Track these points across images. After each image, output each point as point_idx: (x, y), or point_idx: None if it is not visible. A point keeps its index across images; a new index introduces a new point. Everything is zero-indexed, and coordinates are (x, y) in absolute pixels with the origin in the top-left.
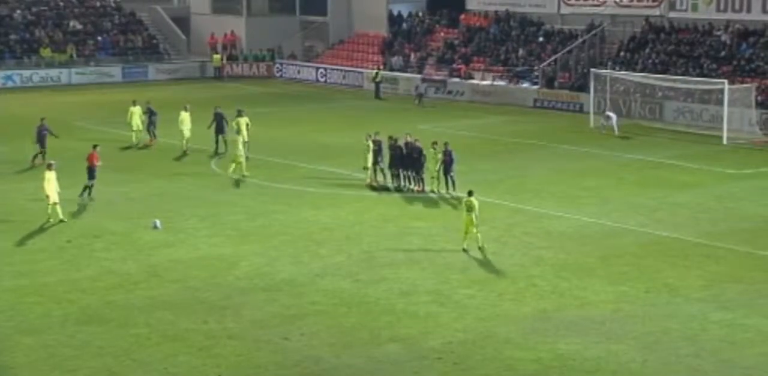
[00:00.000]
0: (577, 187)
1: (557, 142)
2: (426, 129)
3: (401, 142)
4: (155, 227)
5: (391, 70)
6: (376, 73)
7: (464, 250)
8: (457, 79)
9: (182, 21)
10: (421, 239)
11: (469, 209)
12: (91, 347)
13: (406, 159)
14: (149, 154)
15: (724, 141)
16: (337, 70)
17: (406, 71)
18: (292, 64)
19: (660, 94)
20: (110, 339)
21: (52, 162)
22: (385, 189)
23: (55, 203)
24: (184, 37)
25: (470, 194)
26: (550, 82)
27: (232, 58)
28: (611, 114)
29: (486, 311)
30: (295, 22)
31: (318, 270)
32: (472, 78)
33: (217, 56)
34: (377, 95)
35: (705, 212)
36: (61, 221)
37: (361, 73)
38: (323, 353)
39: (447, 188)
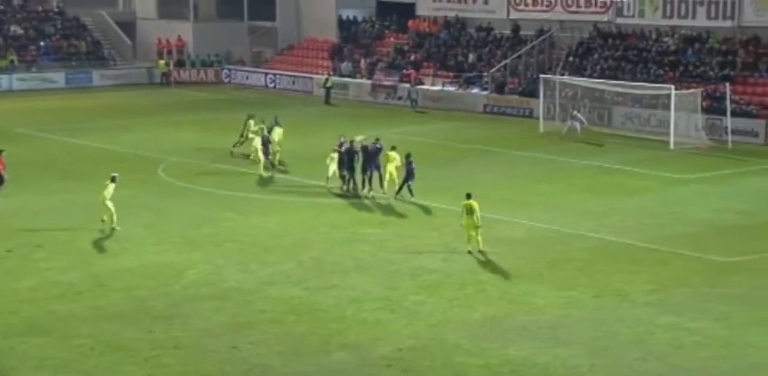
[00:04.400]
0: (528, 192)
1: (507, 148)
2: (376, 135)
3: (357, 146)
4: None
5: (341, 76)
6: (327, 79)
7: (469, 252)
8: (407, 85)
9: (128, 26)
10: (371, 246)
11: (470, 211)
12: (32, 359)
13: (365, 163)
14: (94, 161)
15: (671, 146)
16: (287, 75)
17: (355, 77)
18: (241, 70)
19: (608, 99)
20: (53, 350)
21: None
22: (356, 196)
23: None
24: (129, 42)
25: (468, 196)
26: (499, 88)
27: (179, 64)
28: (579, 115)
29: (436, 318)
30: (243, 28)
31: (266, 278)
32: (422, 84)
33: (162, 62)
34: (327, 101)
35: (652, 216)
36: None
37: (311, 78)
38: (272, 362)
39: (398, 193)
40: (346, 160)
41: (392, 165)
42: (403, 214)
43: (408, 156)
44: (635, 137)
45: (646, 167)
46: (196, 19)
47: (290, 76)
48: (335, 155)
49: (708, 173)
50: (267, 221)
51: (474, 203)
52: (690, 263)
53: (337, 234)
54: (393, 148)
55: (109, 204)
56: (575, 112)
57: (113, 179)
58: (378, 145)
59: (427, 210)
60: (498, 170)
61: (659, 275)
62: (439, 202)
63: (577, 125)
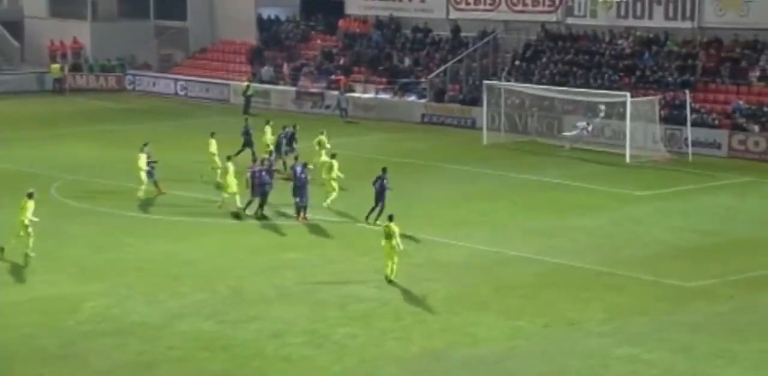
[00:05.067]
0: (469, 211)
1: (448, 162)
2: (300, 147)
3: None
4: None
5: (261, 82)
6: (248, 86)
7: (388, 281)
8: (335, 92)
9: (14, 26)
10: (295, 273)
11: (388, 235)
12: None
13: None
14: None
15: (627, 159)
16: (199, 82)
17: (278, 83)
18: (146, 76)
19: (558, 108)
20: None
21: None
22: (264, 217)
23: None
24: (16, 44)
25: (390, 218)
26: (439, 96)
27: (75, 69)
28: (583, 124)
29: (368, 352)
30: (149, 28)
31: (176, 310)
32: (353, 91)
33: (56, 66)
34: (246, 111)
35: (606, 237)
36: None
37: (227, 85)
38: None
39: (369, 217)
40: (258, 184)
41: (331, 175)
42: (330, 236)
43: (383, 172)
44: (587, 149)
45: (600, 183)
46: (95, 18)
47: (203, 82)
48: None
49: (667, 189)
50: (177, 246)
51: (394, 226)
52: (647, 289)
53: (256, 260)
54: (333, 156)
55: (29, 227)
56: (578, 123)
57: (30, 196)
58: (303, 173)
59: (357, 232)
60: (437, 187)
61: (614, 301)
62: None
63: (584, 133)
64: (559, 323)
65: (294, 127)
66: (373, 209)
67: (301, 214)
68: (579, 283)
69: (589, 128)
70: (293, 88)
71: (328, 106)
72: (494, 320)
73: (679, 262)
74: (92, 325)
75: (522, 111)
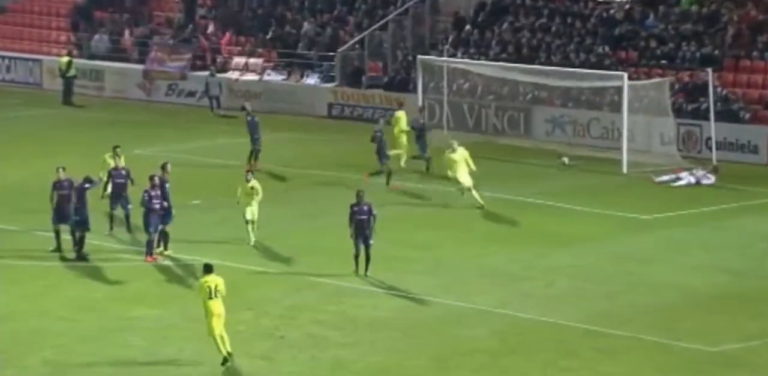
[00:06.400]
0: (402, 244)
1: (367, 174)
2: (145, 155)
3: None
4: None
5: (91, 57)
6: (68, 63)
7: (225, 359)
8: (203, 73)
9: None
10: (143, 338)
11: (212, 294)
12: None
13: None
14: None
15: (624, 169)
16: None
17: (115, 59)
18: None
19: (526, 94)
20: None
21: None
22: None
23: None
24: None
25: (208, 269)
26: (354, 77)
27: None
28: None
29: None
30: None
31: None
32: (228, 70)
33: None
34: (67, 99)
35: (597, 280)
36: None
37: (39, 61)
38: None
39: (357, 267)
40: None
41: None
42: (194, 282)
43: (359, 194)
44: (568, 155)
45: (588, 202)
46: None
47: (1, 57)
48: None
49: (683, 211)
50: None
51: (219, 279)
52: (655, 355)
53: (88, 320)
54: (250, 173)
55: None
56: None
57: None
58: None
59: (235, 274)
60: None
61: (609, 373)
62: (255, 262)
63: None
64: None
65: None
66: (357, 256)
67: (157, 248)
68: (558, 346)
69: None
70: (139, 67)
71: (192, 93)
72: None
73: (700, 316)
74: None
75: (474, 100)
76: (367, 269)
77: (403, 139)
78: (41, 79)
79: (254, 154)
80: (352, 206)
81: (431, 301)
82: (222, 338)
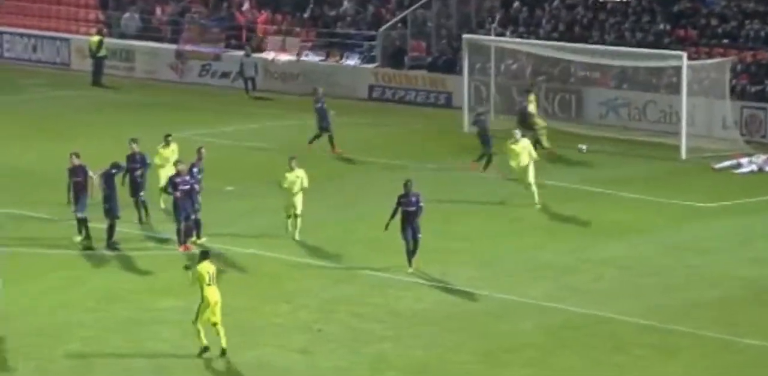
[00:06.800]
0: (445, 234)
1: (410, 159)
2: (184, 138)
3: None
4: None
5: (122, 36)
6: (99, 42)
7: (223, 353)
8: (238, 53)
9: None
10: (173, 330)
11: (210, 280)
12: None
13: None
14: None
15: (683, 155)
16: (21, 36)
17: (146, 38)
18: None
19: (578, 76)
20: None
21: None
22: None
23: None
24: None
25: (205, 255)
26: (396, 58)
27: None
28: None
29: None
30: None
31: None
32: (265, 50)
33: None
34: (96, 80)
35: (651, 273)
36: None
37: (67, 40)
38: None
39: (411, 262)
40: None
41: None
42: (230, 273)
43: (407, 185)
44: (622, 139)
45: (642, 189)
46: None
47: (28, 36)
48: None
49: (746, 199)
50: None
51: (212, 265)
52: (714, 353)
53: (115, 311)
54: (292, 159)
55: None
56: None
57: None
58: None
59: (273, 265)
60: (392, 197)
61: (664, 372)
62: (292, 252)
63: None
64: None
65: None
66: (408, 250)
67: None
68: (610, 343)
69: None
70: (171, 47)
71: (225, 75)
72: None
73: (763, 311)
74: None
75: (523, 81)
76: (412, 258)
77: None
78: (69, 59)
79: (330, 139)
80: (399, 197)
81: (476, 294)
82: (217, 329)
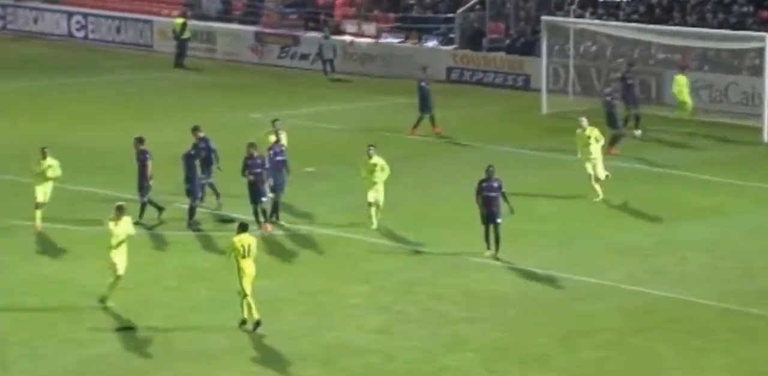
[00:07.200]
0: (524, 216)
1: (488, 141)
2: (260, 119)
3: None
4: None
5: (202, 18)
6: (183, 24)
7: (243, 322)
8: (317, 35)
9: None
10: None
11: (245, 253)
12: None
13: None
14: None
15: (765, 137)
16: (105, 17)
17: (226, 20)
18: (25, 8)
19: (658, 58)
20: None
21: None
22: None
23: None
24: None
25: (243, 228)
26: (474, 40)
27: None
28: None
29: None
30: None
31: (70, 369)
32: (344, 32)
33: None
34: (179, 62)
35: (733, 257)
36: None
37: (150, 22)
38: None
39: (489, 246)
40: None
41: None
42: (308, 254)
43: (489, 169)
44: (703, 122)
45: (724, 172)
46: None
47: (112, 18)
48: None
49: None
50: (74, 268)
51: (253, 239)
52: None
53: (197, 290)
54: (371, 147)
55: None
56: None
57: (121, 210)
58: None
59: (350, 247)
60: (470, 179)
61: (747, 357)
62: (369, 233)
63: None
64: None
65: None
66: (487, 236)
67: (270, 217)
68: (691, 327)
69: None
70: (251, 29)
71: (305, 57)
72: None
73: None
74: None
75: (602, 63)
76: (497, 248)
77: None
78: (152, 40)
79: (432, 119)
80: (480, 182)
81: (554, 276)
82: (250, 303)
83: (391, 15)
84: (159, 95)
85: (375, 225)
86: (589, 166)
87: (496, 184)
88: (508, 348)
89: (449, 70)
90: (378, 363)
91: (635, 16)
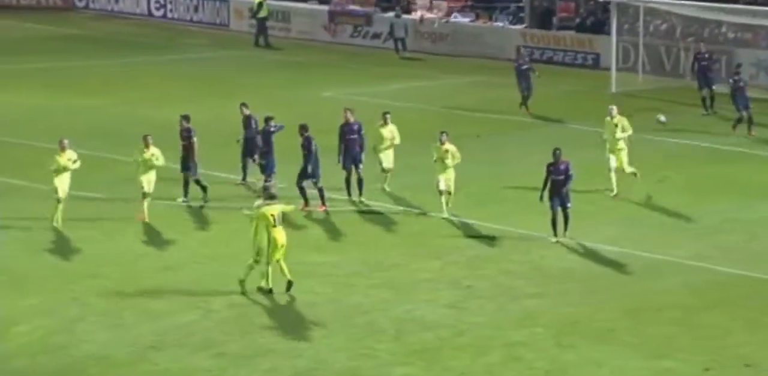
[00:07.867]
0: (591, 194)
1: (557, 120)
2: (332, 97)
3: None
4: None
5: None
6: (260, 4)
7: (267, 290)
8: (389, 14)
9: None
10: (323, 283)
11: (276, 222)
12: None
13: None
14: None
15: None
16: None
17: (303, 0)
18: None
19: (729, 35)
20: None
21: None
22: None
23: None
24: None
25: (272, 197)
26: (544, 18)
27: None
28: None
29: None
30: None
31: (151, 338)
32: (415, 12)
33: None
34: (259, 41)
35: None
36: None
37: (226, 1)
38: None
39: (556, 231)
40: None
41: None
42: (375, 228)
43: (556, 152)
44: None
45: None
46: None
47: None
48: None
49: None
50: (151, 242)
51: (282, 207)
52: None
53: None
54: (443, 133)
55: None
56: None
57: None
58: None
59: (421, 222)
60: (542, 157)
61: None
62: (438, 209)
63: None
64: (730, 366)
65: None
66: (554, 220)
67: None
68: (758, 303)
69: None
70: (325, 8)
71: (377, 36)
72: (627, 359)
73: None
74: (26, 359)
75: (672, 42)
76: (566, 230)
77: None
78: (228, 19)
79: (524, 101)
80: (548, 166)
81: (622, 252)
82: (281, 264)
83: None
84: (236, 73)
85: (446, 214)
86: (612, 159)
87: (563, 167)
88: (578, 323)
89: (519, 48)
90: (448, 337)
91: None
